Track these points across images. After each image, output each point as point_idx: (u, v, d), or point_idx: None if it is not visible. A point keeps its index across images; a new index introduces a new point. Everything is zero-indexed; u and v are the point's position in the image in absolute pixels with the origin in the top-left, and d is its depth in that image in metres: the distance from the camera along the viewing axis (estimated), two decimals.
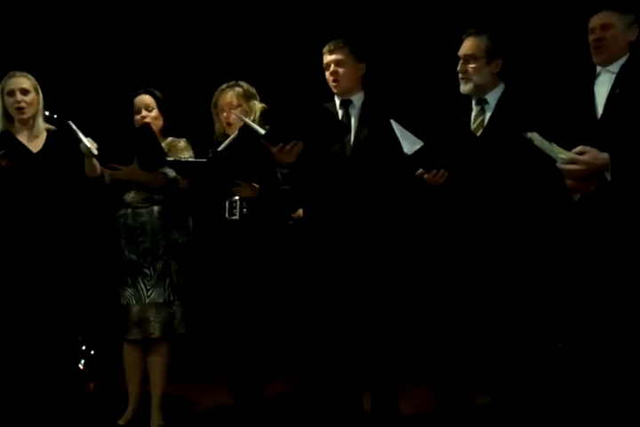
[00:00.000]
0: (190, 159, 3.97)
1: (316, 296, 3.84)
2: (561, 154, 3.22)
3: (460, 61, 3.70)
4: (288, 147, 3.57)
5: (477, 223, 3.59)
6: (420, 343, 4.00)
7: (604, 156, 3.20)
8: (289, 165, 3.70)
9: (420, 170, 3.55)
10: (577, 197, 3.36)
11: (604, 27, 3.41)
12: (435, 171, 3.52)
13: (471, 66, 3.66)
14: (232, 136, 3.72)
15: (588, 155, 3.21)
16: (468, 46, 3.69)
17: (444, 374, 3.69)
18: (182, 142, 4.17)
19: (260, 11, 5.26)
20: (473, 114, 3.72)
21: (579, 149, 3.23)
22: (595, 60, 3.47)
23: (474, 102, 3.73)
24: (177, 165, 3.85)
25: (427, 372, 3.89)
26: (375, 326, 3.80)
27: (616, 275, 3.30)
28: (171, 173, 4.02)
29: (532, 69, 4.44)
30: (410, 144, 3.48)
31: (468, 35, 3.71)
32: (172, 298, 4.04)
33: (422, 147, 3.44)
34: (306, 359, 4.12)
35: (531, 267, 3.61)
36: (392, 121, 3.53)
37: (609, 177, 3.20)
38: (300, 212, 4.21)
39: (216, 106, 4.04)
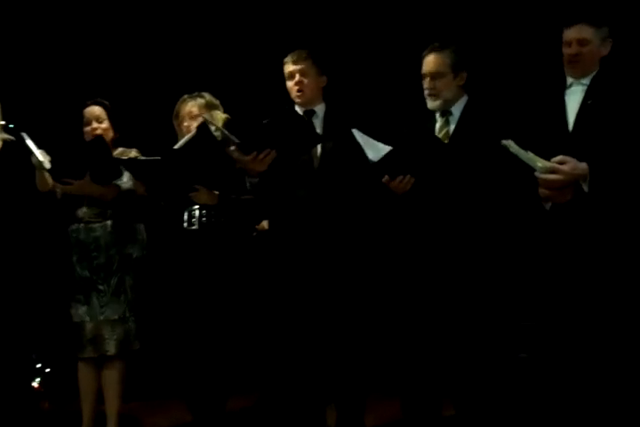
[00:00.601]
0: (145, 158, 3.86)
1: (280, 309, 3.80)
2: (539, 162, 3.19)
3: (427, 79, 3.66)
4: (262, 156, 3.55)
5: (444, 233, 3.56)
6: (387, 355, 3.97)
7: (583, 166, 3.18)
8: (259, 175, 3.65)
9: (386, 177, 3.52)
10: (548, 206, 3.34)
11: (581, 42, 3.38)
12: (401, 177, 3.49)
13: (439, 83, 3.63)
14: (189, 135, 3.66)
15: (569, 165, 3.18)
16: (432, 63, 3.65)
17: (410, 386, 3.66)
18: (133, 152, 4.11)
19: (215, 21, 5.18)
20: (437, 125, 3.70)
21: (559, 158, 3.20)
22: (568, 73, 3.45)
23: (438, 114, 3.71)
24: (132, 164, 3.77)
25: (393, 384, 3.83)
26: (341, 339, 3.76)
27: (584, 285, 3.28)
28: (124, 184, 3.96)
29: (495, 80, 4.43)
30: (375, 151, 3.46)
31: (431, 50, 3.67)
32: (127, 314, 3.98)
33: (388, 153, 3.42)
34: (269, 374, 4.09)
35: (496, 276, 3.59)
36: (354, 130, 3.51)
37: (586, 187, 3.19)
38: (265, 224, 4.16)
39: (177, 116, 4.00)
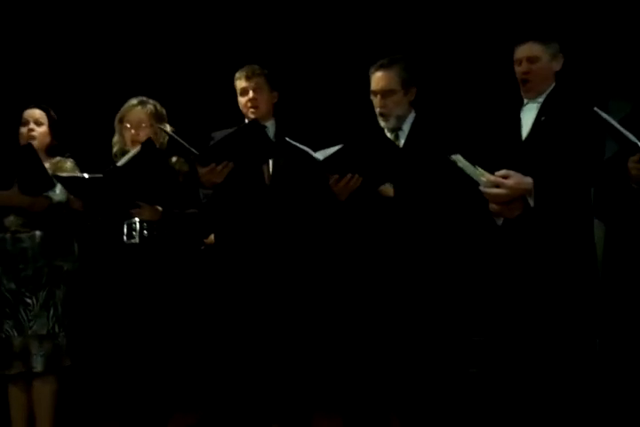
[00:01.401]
0: (85, 175, 3.72)
1: (223, 325, 3.74)
2: (483, 177, 3.20)
3: (378, 97, 3.60)
4: (220, 167, 3.52)
5: (395, 247, 3.52)
6: (332, 372, 3.95)
7: (528, 180, 3.20)
8: (214, 186, 3.61)
9: (335, 176, 3.43)
10: (500, 221, 3.33)
11: (530, 59, 3.38)
12: (349, 175, 3.40)
13: (389, 101, 3.59)
14: (133, 151, 3.58)
15: (512, 179, 3.20)
16: (382, 80, 3.59)
17: (354, 403, 3.60)
18: (69, 163, 4.01)
19: (160, 32, 5.12)
20: None
21: (502, 172, 3.22)
22: (523, 94, 3.44)
23: (387, 130, 3.67)
24: (69, 182, 3.67)
25: (338, 401, 3.79)
26: (284, 357, 3.70)
27: (533, 301, 3.27)
28: (56, 196, 3.84)
29: (444, 95, 4.44)
30: (322, 153, 3.39)
31: (379, 67, 3.61)
32: (56, 329, 3.85)
33: (337, 150, 3.33)
34: (213, 392, 4.03)
35: (446, 291, 3.55)
36: (287, 139, 3.42)
37: (532, 202, 3.20)
38: (212, 237, 4.07)
39: (122, 121, 3.88)
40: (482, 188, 3.21)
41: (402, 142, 3.62)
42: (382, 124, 3.63)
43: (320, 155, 3.39)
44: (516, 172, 3.20)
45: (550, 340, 3.24)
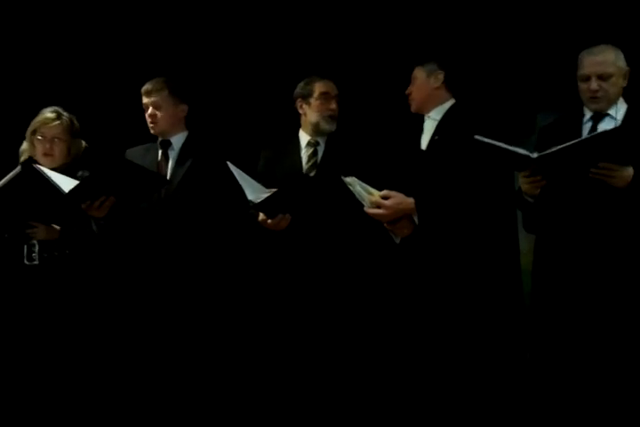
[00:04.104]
0: None
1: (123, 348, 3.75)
2: (366, 198, 3.32)
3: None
4: (97, 203, 3.48)
5: (312, 271, 3.63)
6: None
7: (410, 200, 3.34)
8: (103, 218, 3.57)
9: (263, 216, 3.55)
10: (398, 240, 3.43)
11: (412, 81, 3.62)
12: (280, 215, 3.52)
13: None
14: (13, 172, 3.44)
15: (392, 199, 3.34)
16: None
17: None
18: None
19: (75, 43, 4.80)
20: (305, 154, 3.77)
21: (383, 193, 3.36)
22: (411, 110, 3.63)
23: (304, 144, 3.78)
24: None
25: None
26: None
27: (435, 321, 3.38)
28: None
29: (362, 109, 4.35)
30: (253, 191, 3.47)
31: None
32: None
33: (270, 196, 3.41)
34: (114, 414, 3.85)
35: (346, 312, 3.62)
36: (229, 164, 3.50)
37: (416, 221, 3.32)
38: None
39: (35, 132, 3.74)
40: (365, 208, 3.34)
41: (319, 157, 3.73)
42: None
43: (248, 189, 3.45)
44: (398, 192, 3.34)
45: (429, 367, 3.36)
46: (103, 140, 4.08)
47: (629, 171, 3.05)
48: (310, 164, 3.74)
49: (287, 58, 4.50)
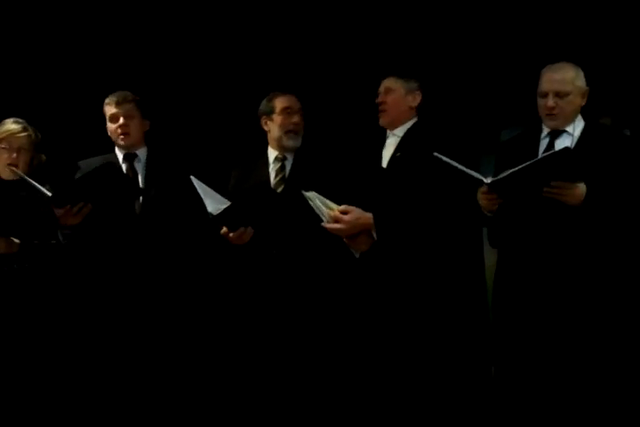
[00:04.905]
0: None
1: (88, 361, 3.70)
2: (325, 214, 3.33)
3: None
4: (75, 209, 3.46)
5: (275, 287, 3.61)
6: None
7: (368, 215, 3.35)
8: (71, 227, 3.54)
9: (225, 229, 3.53)
10: (357, 254, 3.44)
11: (386, 91, 3.58)
12: (242, 229, 3.50)
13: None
14: None
15: (350, 215, 3.35)
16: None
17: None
18: None
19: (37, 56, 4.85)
20: (273, 170, 3.77)
21: (342, 208, 3.36)
22: (380, 122, 3.61)
23: (272, 159, 3.78)
24: None
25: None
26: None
27: (395, 336, 3.40)
28: None
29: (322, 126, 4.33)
30: (214, 203, 3.46)
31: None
32: None
33: (228, 207, 3.42)
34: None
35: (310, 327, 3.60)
36: (192, 178, 3.51)
37: (375, 236, 3.34)
38: None
39: (1, 141, 3.71)
40: (323, 223, 3.35)
41: (287, 172, 3.72)
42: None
43: (209, 200, 3.45)
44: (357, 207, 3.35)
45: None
46: (55, 152, 4.02)
47: (582, 188, 3.08)
48: (278, 179, 3.73)
49: (256, 76, 4.54)
